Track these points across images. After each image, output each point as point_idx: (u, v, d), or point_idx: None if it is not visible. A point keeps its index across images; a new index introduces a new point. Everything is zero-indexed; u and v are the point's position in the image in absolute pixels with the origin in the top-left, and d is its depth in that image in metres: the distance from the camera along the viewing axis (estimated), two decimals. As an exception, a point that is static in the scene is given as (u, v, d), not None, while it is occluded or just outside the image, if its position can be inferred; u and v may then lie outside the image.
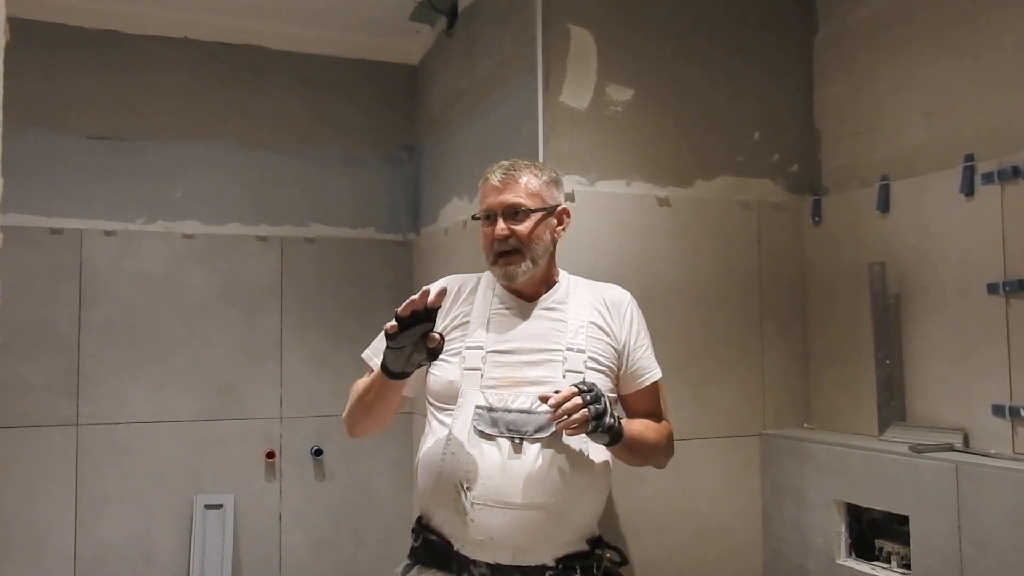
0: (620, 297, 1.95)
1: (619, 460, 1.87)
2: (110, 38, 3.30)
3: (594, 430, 1.65)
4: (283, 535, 3.41)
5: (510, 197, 1.81)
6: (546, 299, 1.88)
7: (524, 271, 1.81)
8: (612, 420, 1.68)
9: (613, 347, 1.87)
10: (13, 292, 3.12)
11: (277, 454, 3.41)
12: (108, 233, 3.25)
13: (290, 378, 3.46)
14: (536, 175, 1.85)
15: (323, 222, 3.57)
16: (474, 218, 1.90)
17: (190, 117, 3.39)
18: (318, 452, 3.45)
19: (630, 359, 1.89)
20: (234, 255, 3.42)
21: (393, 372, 1.70)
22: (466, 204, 3.02)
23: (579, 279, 1.97)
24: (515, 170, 1.84)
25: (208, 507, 3.27)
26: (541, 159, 2.40)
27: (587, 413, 1.62)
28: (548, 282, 1.90)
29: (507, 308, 1.86)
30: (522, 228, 1.81)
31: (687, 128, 2.57)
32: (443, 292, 1.64)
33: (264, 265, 3.46)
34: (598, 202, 2.44)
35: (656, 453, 1.90)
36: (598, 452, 1.80)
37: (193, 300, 3.35)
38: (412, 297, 1.61)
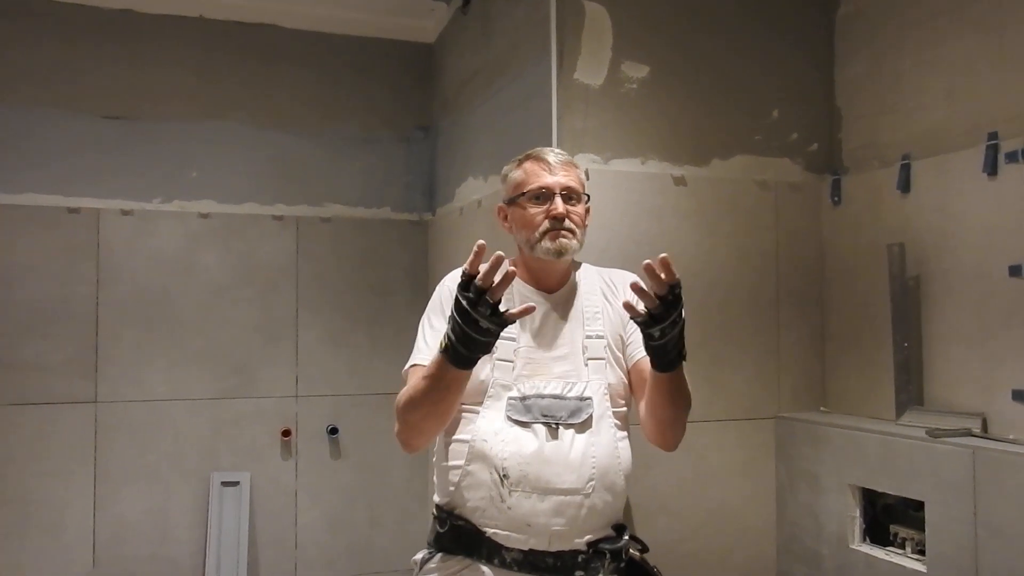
0: (626, 278, 1.92)
1: (657, 406, 1.71)
2: (125, 18, 3.30)
3: (645, 323, 1.52)
4: (299, 513, 3.44)
5: (568, 180, 1.80)
6: (564, 291, 1.86)
7: (574, 248, 1.79)
8: (662, 335, 1.54)
9: (621, 323, 1.85)
10: (32, 271, 3.15)
11: (293, 432, 3.44)
12: (125, 212, 3.27)
13: (306, 357, 3.47)
14: (579, 168, 1.87)
15: (339, 202, 3.57)
16: (515, 199, 1.79)
17: (205, 97, 3.40)
18: (333, 431, 3.46)
19: (629, 334, 1.85)
20: (250, 234, 3.43)
21: (477, 354, 1.54)
22: (481, 183, 3.00)
23: (587, 265, 1.95)
24: (569, 157, 1.84)
25: (225, 484, 3.30)
26: (555, 137, 2.38)
27: (654, 303, 1.49)
28: (567, 273, 1.88)
29: (529, 303, 1.83)
30: (579, 210, 1.81)
31: (704, 106, 2.52)
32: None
33: (280, 244, 3.47)
34: (612, 181, 2.41)
35: (686, 410, 1.74)
36: (624, 439, 1.79)
37: (209, 279, 3.37)
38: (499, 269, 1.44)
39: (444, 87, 3.54)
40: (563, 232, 1.76)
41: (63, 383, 3.16)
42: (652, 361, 1.63)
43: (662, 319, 1.53)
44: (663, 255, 1.49)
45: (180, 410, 3.31)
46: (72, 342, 3.18)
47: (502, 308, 1.69)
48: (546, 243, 1.77)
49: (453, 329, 1.51)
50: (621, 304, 1.83)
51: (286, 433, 3.43)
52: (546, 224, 1.76)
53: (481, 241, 1.43)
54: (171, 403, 3.29)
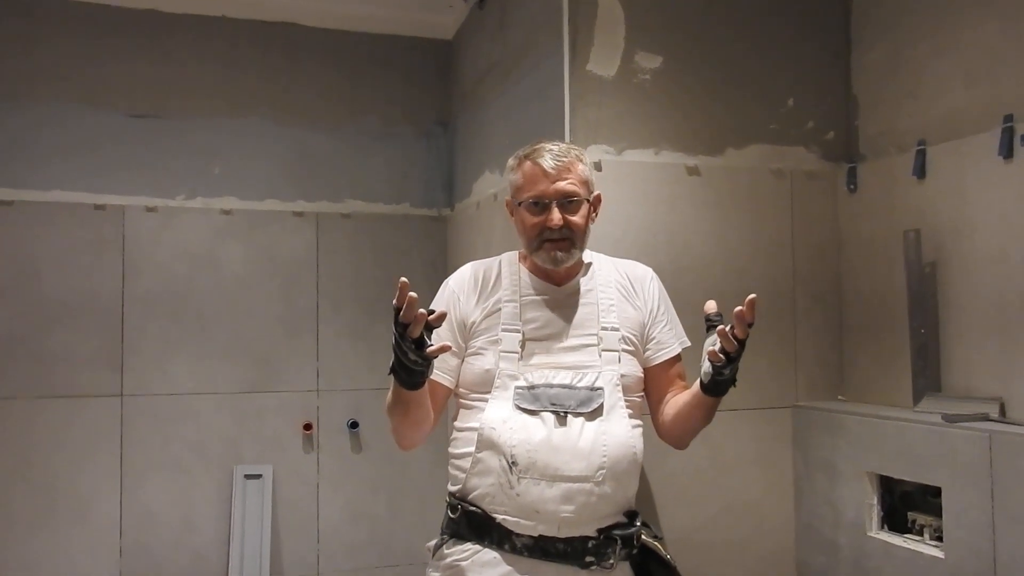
0: (643, 273, 1.95)
1: (694, 419, 1.82)
2: (150, 17, 3.37)
3: (721, 364, 1.62)
4: (321, 505, 3.48)
5: (566, 186, 1.77)
6: (576, 283, 1.87)
7: (571, 258, 1.81)
8: (732, 372, 1.66)
9: (641, 323, 1.87)
10: (59, 266, 3.22)
11: (314, 426, 3.48)
12: (150, 209, 3.34)
13: (326, 352, 3.52)
14: (583, 160, 1.82)
15: (359, 198, 3.61)
16: (519, 203, 1.81)
17: (228, 94, 3.45)
18: (354, 425, 3.50)
19: (651, 333, 1.88)
20: (271, 230, 3.48)
21: (415, 381, 1.61)
22: (496, 177, 3.01)
23: (602, 256, 1.96)
24: (566, 156, 1.79)
25: (248, 477, 3.35)
26: (567, 129, 2.39)
27: (734, 347, 1.60)
28: (577, 265, 1.89)
29: (539, 294, 1.85)
30: (577, 219, 1.78)
31: (718, 95, 2.52)
32: (444, 315, 1.55)
33: (300, 240, 3.52)
34: (626, 172, 2.41)
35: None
36: (637, 428, 1.81)
37: (232, 275, 3.42)
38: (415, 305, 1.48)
39: (462, 82, 3.57)
40: (559, 244, 1.78)
41: (89, 376, 3.23)
42: (706, 387, 1.70)
43: (735, 359, 1.60)
44: (753, 296, 1.58)
45: (204, 403, 3.36)
46: (98, 336, 3.25)
47: (502, 308, 1.75)
48: (542, 254, 1.80)
49: (394, 355, 1.56)
50: (643, 301, 1.86)
51: (307, 427, 3.47)
52: (542, 235, 1.78)
53: (403, 279, 1.47)
54: (195, 396, 3.35)
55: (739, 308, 1.57)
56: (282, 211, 3.50)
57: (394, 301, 1.48)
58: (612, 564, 1.75)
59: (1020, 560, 1.80)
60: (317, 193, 3.55)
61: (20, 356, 3.17)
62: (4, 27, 3.22)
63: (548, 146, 1.81)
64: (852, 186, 2.55)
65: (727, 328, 1.59)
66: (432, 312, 1.52)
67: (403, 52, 3.68)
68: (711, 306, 1.69)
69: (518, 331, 1.80)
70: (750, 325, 1.59)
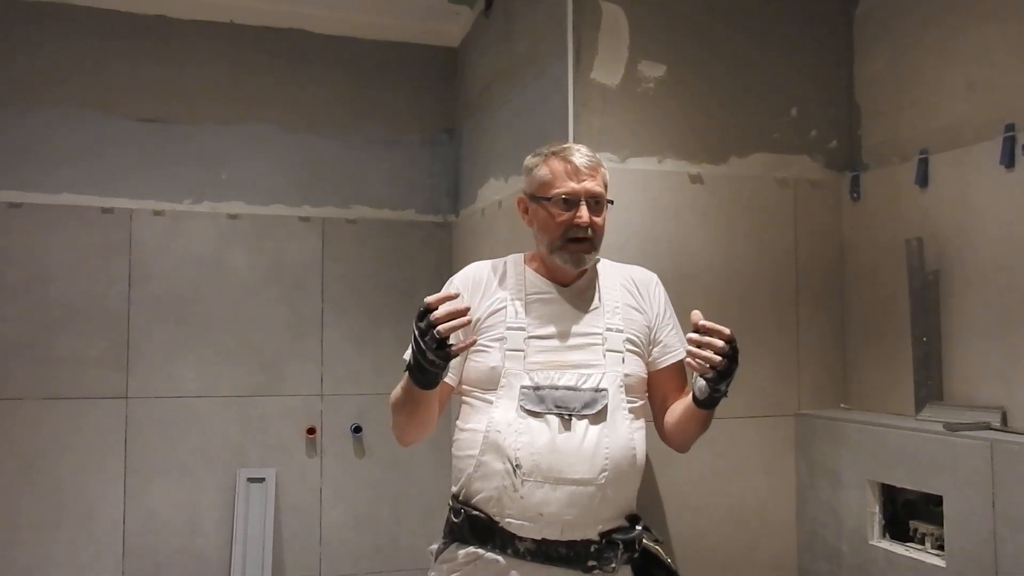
0: (648, 277, 1.96)
1: (691, 430, 1.83)
2: (159, 23, 3.40)
3: (714, 380, 1.63)
4: (324, 510, 3.49)
5: (596, 186, 1.80)
6: (580, 283, 1.89)
7: (590, 259, 1.84)
8: (727, 387, 1.67)
9: (646, 326, 1.88)
10: (66, 269, 3.25)
11: (318, 430, 3.49)
12: (157, 213, 3.36)
13: (331, 357, 3.53)
14: (603, 165, 1.86)
15: (364, 203, 3.63)
16: (538, 198, 1.82)
17: (236, 100, 3.48)
18: (357, 429, 3.51)
19: (657, 336, 1.89)
20: (277, 235, 3.50)
21: (429, 381, 1.65)
22: (501, 184, 3.03)
23: (606, 261, 1.97)
24: (594, 158, 1.82)
25: (251, 480, 3.36)
26: (571, 136, 2.40)
27: (719, 361, 1.59)
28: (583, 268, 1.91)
29: (543, 293, 1.86)
30: (601, 220, 1.81)
31: (721, 104, 2.53)
32: (467, 309, 1.58)
33: (306, 245, 3.54)
34: (629, 179, 2.42)
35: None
36: (639, 430, 1.81)
37: (238, 279, 3.44)
38: (450, 306, 1.54)
39: (467, 90, 3.59)
40: (583, 245, 1.80)
41: (95, 378, 3.25)
42: (701, 402, 1.72)
43: (728, 373, 1.62)
44: (696, 312, 1.62)
45: (208, 406, 3.38)
46: (104, 339, 3.27)
47: (507, 306, 1.76)
48: (565, 254, 1.81)
49: (412, 353, 1.60)
50: (649, 305, 1.88)
51: (311, 431, 3.48)
52: (568, 233, 1.79)
53: (455, 291, 1.55)
54: (200, 400, 3.37)
55: (702, 322, 1.60)
56: (288, 216, 3.52)
57: (429, 298, 1.53)
58: (614, 568, 1.76)
59: (1022, 570, 1.80)
60: (323, 198, 3.57)
61: (27, 357, 3.19)
62: (13, 32, 3.25)
63: (576, 146, 1.84)
64: (855, 194, 2.56)
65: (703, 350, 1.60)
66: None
67: (410, 60, 3.71)
68: (696, 316, 1.70)
69: (523, 329, 1.81)
70: (731, 341, 1.60)
